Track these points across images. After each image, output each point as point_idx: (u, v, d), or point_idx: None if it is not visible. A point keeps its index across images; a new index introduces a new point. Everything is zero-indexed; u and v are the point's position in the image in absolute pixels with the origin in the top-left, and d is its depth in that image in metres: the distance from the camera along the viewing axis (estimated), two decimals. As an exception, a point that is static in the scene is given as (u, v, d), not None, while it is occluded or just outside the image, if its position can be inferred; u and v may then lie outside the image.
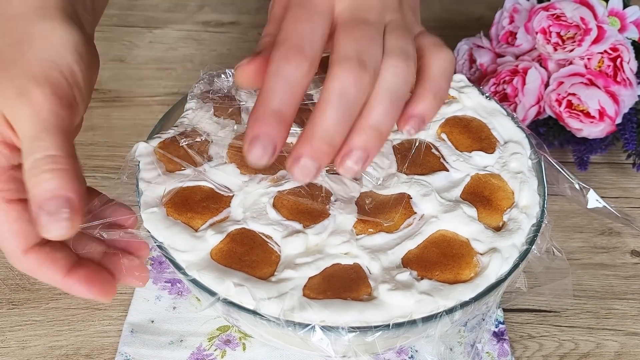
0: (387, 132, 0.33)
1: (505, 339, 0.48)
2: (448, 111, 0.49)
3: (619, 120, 0.59)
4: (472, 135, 0.47)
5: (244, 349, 0.47)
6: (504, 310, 0.51)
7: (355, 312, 0.35)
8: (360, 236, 0.39)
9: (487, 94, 0.50)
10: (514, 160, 0.45)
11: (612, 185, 0.63)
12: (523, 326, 0.50)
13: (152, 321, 0.49)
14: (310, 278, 0.37)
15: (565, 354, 0.48)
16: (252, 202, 0.41)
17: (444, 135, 0.47)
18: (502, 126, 0.48)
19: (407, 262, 0.38)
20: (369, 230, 0.40)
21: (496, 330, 0.49)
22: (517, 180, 0.43)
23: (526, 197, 0.42)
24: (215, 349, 0.47)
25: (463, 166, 0.44)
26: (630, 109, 0.60)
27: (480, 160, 0.45)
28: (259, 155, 0.31)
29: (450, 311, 0.36)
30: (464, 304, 0.36)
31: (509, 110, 0.49)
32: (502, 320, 0.50)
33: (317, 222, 0.39)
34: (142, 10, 0.88)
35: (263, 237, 0.39)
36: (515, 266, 0.38)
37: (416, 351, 0.47)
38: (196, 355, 0.47)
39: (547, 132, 0.62)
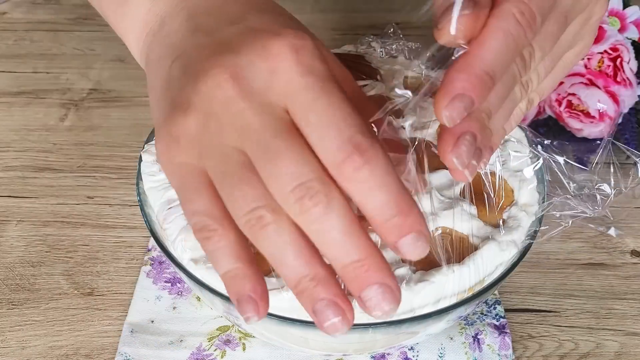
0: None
1: (506, 332, 0.48)
2: None
3: (619, 120, 0.59)
4: None
5: (244, 349, 0.47)
6: (505, 310, 0.51)
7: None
8: None
9: None
10: (514, 159, 0.45)
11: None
12: (523, 326, 0.50)
13: (152, 321, 0.49)
14: None
15: (565, 354, 0.48)
16: None
17: None
18: None
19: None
20: (369, 227, 0.40)
21: (497, 323, 0.49)
22: (516, 178, 0.43)
23: (526, 195, 0.43)
24: (215, 349, 0.47)
25: None
26: (630, 109, 0.60)
27: None
28: (455, 116, 0.28)
29: (449, 308, 0.36)
30: (464, 300, 0.36)
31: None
32: (503, 315, 0.50)
33: None
34: (142, 10, 0.88)
35: None
36: (515, 264, 0.38)
37: (418, 351, 0.48)
38: (196, 355, 0.47)
39: (547, 132, 0.62)
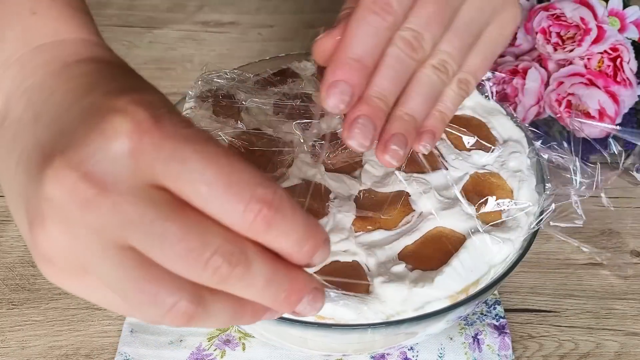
0: (419, 125, 0.34)
1: (506, 332, 0.48)
2: None
3: (619, 120, 0.59)
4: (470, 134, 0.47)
5: (244, 349, 0.47)
6: (505, 310, 0.51)
7: (355, 301, 0.35)
8: (358, 233, 0.39)
9: (486, 94, 0.50)
10: (513, 159, 0.45)
11: (612, 185, 0.63)
12: (523, 326, 0.50)
13: (152, 321, 0.49)
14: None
15: (565, 354, 0.48)
16: None
17: (443, 135, 0.47)
18: (501, 125, 0.48)
19: (404, 257, 0.38)
20: (368, 227, 0.40)
21: (497, 324, 0.49)
22: (516, 178, 0.43)
23: (525, 196, 0.42)
24: (215, 349, 0.47)
25: (462, 165, 0.44)
26: (630, 109, 0.60)
27: (479, 159, 0.45)
28: (335, 102, 0.31)
29: (449, 308, 0.36)
30: (463, 300, 0.36)
31: (509, 109, 0.49)
32: (503, 315, 0.50)
33: (317, 219, 0.39)
34: (141, 10, 0.88)
35: None
36: (515, 264, 0.38)
37: (417, 352, 0.47)
38: (196, 355, 0.47)
39: (547, 132, 0.62)
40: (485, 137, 0.47)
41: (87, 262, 0.25)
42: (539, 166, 0.45)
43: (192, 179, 0.24)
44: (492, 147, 0.45)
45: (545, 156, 0.44)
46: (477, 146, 0.46)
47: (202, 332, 0.48)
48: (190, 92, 0.48)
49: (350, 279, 0.37)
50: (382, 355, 0.47)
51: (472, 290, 0.37)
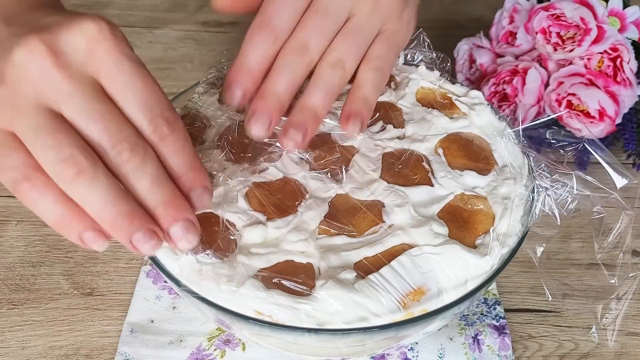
0: (322, 115, 0.41)
1: (506, 333, 0.48)
2: (453, 126, 0.47)
3: (619, 120, 0.59)
4: (469, 153, 0.45)
5: (244, 349, 0.48)
6: (505, 310, 0.51)
7: (289, 301, 0.35)
8: (321, 236, 0.39)
9: (501, 115, 0.48)
10: (505, 186, 0.42)
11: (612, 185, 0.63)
12: (523, 326, 0.50)
13: (152, 321, 0.49)
14: (259, 270, 0.37)
15: (565, 354, 0.48)
16: (227, 190, 0.41)
17: (440, 150, 0.45)
18: (506, 149, 0.45)
19: (359, 268, 0.37)
20: (332, 231, 0.39)
21: (497, 324, 0.49)
22: (501, 205, 0.41)
23: (506, 225, 0.40)
24: (215, 349, 0.47)
25: (450, 184, 0.43)
26: (630, 109, 0.60)
27: (471, 181, 0.43)
28: (230, 96, 0.41)
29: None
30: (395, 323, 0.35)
31: (520, 133, 0.45)
32: (503, 315, 0.50)
33: (282, 217, 0.39)
34: (141, 10, 0.88)
35: (227, 224, 0.38)
36: (471, 292, 0.37)
37: (416, 343, 0.48)
38: (196, 355, 0.47)
39: (546, 131, 0.62)
40: (485, 159, 0.45)
41: (19, 110, 0.32)
42: (530, 197, 0.42)
43: (123, 85, 0.32)
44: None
45: (545, 186, 0.41)
46: (472, 167, 0.44)
47: (202, 332, 0.48)
48: (204, 78, 0.50)
49: (298, 280, 0.36)
50: (382, 356, 0.47)
51: (416, 310, 0.36)
